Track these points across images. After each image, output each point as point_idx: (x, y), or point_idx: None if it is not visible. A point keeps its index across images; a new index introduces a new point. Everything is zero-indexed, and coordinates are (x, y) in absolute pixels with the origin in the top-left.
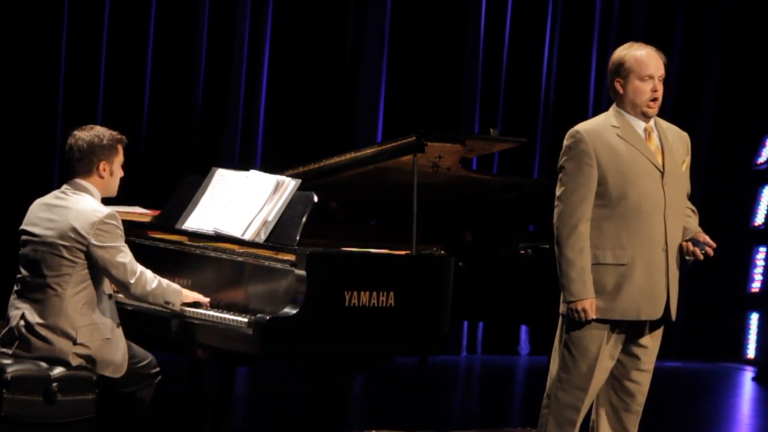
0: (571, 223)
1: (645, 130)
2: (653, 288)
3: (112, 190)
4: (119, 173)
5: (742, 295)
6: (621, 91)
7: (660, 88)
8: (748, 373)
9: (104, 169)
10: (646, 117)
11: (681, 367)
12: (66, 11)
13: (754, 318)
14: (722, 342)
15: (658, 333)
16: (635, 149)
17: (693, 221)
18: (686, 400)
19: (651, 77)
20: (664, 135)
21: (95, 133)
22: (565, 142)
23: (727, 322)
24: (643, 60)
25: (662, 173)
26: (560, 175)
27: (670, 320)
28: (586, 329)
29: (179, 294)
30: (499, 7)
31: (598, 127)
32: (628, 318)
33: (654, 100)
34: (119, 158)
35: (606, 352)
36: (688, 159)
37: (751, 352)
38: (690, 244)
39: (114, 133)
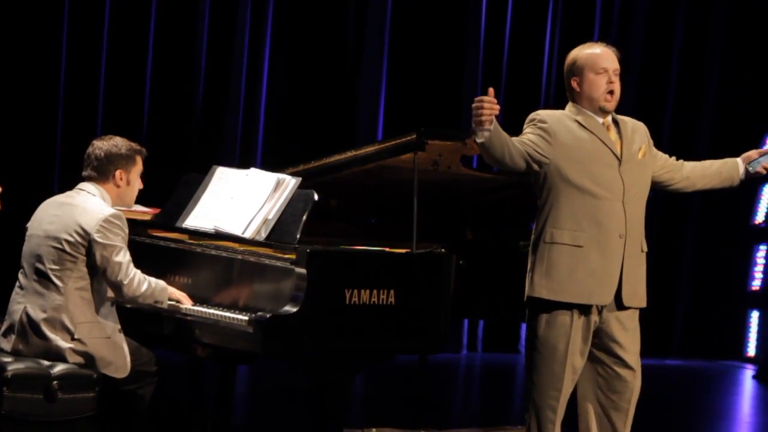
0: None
1: (603, 124)
2: (606, 273)
3: (129, 200)
4: (137, 184)
5: (742, 293)
6: (578, 88)
7: (616, 81)
8: (749, 372)
9: (121, 178)
10: (603, 112)
11: (681, 365)
12: (66, 14)
13: (755, 316)
14: (722, 340)
15: (634, 329)
16: (594, 136)
17: (708, 162)
18: (686, 399)
19: (605, 70)
20: (622, 128)
21: (113, 142)
22: (526, 124)
23: (727, 320)
24: (596, 54)
25: (620, 161)
26: None
27: (622, 306)
28: (552, 328)
29: (166, 291)
30: (499, 5)
31: (559, 114)
32: (579, 301)
33: (611, 93)
34: (137, 168)
35: (575, 348)
36: (645, 146)
37: (751, 351)
38: (762, 168)
39: (133, 144)
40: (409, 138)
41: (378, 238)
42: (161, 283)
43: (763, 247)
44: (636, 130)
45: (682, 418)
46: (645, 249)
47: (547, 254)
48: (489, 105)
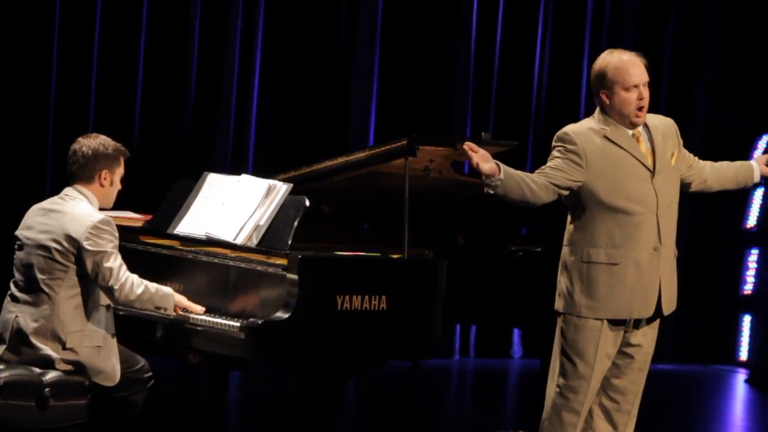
0: (538, 171)
1: (633, 135)
2: (645, 287)
3: (110, 200)
4: (118, 185)
5: (734, 298)
6: (607, 101)
7: (646, 94)
8: (741, 376)
9: (105, 178)
10: (633, 126)
11: (674, 369)
12: (57, 17)
13: (747, 320)
14: (715, 344)
15: (652, 332)
16: (624, 151)
17: (725, 166)
18: (679, 403)
19: (636, 86)
20: (653, 135)
21: (100, 141)
22: (555, 143)
23: (719, 324)
24: (626, 69)
25: (652, 173)
26: None
27: (662, 316)
28: (582, 332)
29: (171, 298)
30: (490, 10)
31: (587, 130)
32: (620, 317)
33: (641, 108)
34: (120, 170)
35: (603, 353)
36: (677, 151)
37: (743, 355)
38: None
39: (118, 144)
40: (400, 143)
41: (370, 244)
42: (165, 289)
43: (754, 251)
44: (667, 134)
45: (674, 423)
46: (676, 253)
47: (585, 273)
48: (474, 151)
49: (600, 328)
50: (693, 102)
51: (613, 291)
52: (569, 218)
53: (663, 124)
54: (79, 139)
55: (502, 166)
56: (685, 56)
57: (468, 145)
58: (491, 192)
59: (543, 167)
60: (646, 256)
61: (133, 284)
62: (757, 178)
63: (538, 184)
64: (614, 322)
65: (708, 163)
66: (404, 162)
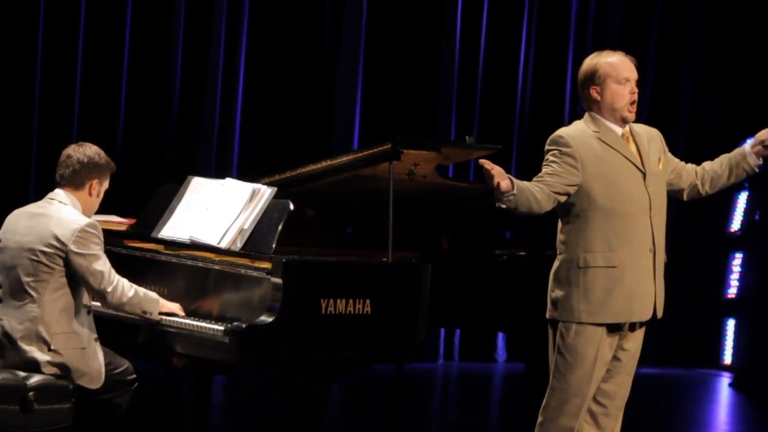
0: (536, 178)
1: (623, 135)
2: (642, 289)
3: (92, 211)
4: (101, 198)
5: (718, 301)
6: (598, 98)
7: (636, 90)
8: (725, 379)
9: (94, 188)
10: (624, 122)
11: (658, 373)
12: (41, 22)
13: (731, 324)
14: (699, 348)
15: (640, 336)
16: (617, 152)
17: (717, 165)
18: (663, 407)
19: (628, 80)
20: (640, 139)
21: (96, 151)
22: (549, 147)
23: (703, 328)
24: (618, 64)
25: (644, 174)
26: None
27: (655, 320)
28: (582, 336)
29: (157, 303)
30: (474, 14)
31: (579, 132)
32: (620, 320)
33: (633, 103)
34: (107, 183)
35: (602, 358)
36: (663, 157)
37: (727, 358)
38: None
39: (110, 159)
40: (384, 147)
41: (354, 248)
42: (151, 294)
43: (738, 255)
44: (652, 139)
45: (658, 427)
46: (665, 259)
47: (582, 279)
48: (490, 167)
49: (600, 333)
50: (677, 106)
51: (612, 294)
52: (560, 227)
53: (647, 131)
54: (74, 145)
55: (514, 180)
56: (669, 60)
57: (484, 162)
58: (503, 207)
59: (540, 174)
60: (642, 257)
61: (124, 287)
62: (753, 161)
63: (542, 194)
64: (612, 328)
65: (699, 168)
66: (388, 166)
